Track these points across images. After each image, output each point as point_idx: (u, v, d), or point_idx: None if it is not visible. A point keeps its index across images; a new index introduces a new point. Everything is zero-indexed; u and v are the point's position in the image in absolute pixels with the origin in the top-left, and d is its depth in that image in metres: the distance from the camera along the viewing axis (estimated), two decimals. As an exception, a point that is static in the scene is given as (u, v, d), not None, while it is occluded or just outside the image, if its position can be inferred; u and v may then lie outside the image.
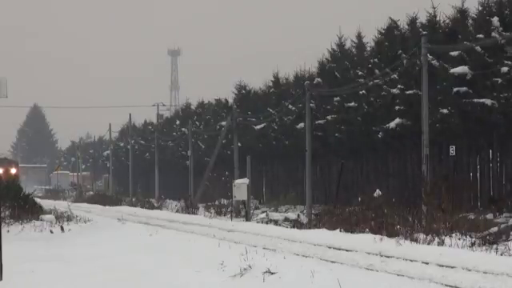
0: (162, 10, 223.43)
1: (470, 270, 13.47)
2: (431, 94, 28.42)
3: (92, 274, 15.12)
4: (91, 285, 14.06)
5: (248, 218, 31.72)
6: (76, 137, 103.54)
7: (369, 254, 16.61)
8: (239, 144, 45.08)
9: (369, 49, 39.62)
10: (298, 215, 29.98)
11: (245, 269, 14.54)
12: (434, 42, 29.15)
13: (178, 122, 66.35)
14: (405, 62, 31.63)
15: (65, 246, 22.05)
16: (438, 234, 19.64)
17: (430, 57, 29.57)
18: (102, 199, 60.94)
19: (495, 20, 29.94)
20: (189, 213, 39.09)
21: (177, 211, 41.75)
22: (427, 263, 14.55)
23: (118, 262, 17.36)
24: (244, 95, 52.73)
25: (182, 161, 61.70)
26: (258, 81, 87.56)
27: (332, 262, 15.98)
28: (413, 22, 35.70)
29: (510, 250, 16.75)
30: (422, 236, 19.33)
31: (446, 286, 12.49)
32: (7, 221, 28.44)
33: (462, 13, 32.80)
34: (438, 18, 34.20)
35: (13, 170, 53.06)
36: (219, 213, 36.93)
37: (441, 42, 30.73)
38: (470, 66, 30.42)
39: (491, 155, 32.33)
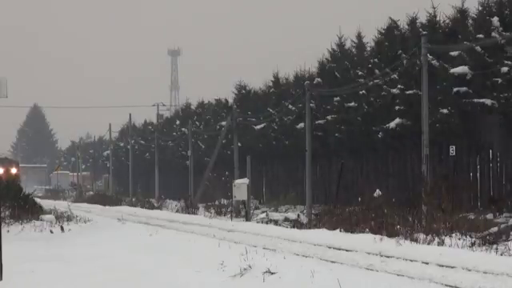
0: (162, 10, 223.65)
1: (469, 270, 13.48)
2: (431, 94, 28.41)
3: (92, 274, 15.12)
4: (91, 285, 14.06)
5: (248, 217, 31.73)
6: (76, 137, 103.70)
7: (369, 254, 16.61)
8: (239, 144, 45.08)
9: (369, 49, 39.63)
10: (298, 215, 29.97)
11: (245, 269, 14.55)
12: (434, 42, 29.15)
13: (178, 122, 66.35)
14: (405, 62, 31.63)
15: (65, 246, 22.05)
16: (437, 233, 19.64)
17: (430, 57, 29.57)
18: (102, 199, 60.95)
19: (495, 20, 29.94)
20: (189, 213, 39.09)
21: (177, 211, 41.75)
22: (427, 263, 14.55)
23: (117, 262, 17.36)
24: (244, 95, 52.73)
25: (181, 161, 61.69)
26: (258, 81, 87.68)
27: (332, 262, 15.99)
28: (413, 22, 35.69)
29: (510, 249, 16.75)
30: (422, 236, 19.33)
31: (446, 285, 12.49)
32: (7, 221, 28.45)
33: (462, 13, 32.80)
34: (437, 18, 34.22)
35: (13, 170, 53.02)
36: (219, 213, 36.94)
37: (441, 42, 30.73)
38: (469, 66, 30.42)
39: (491, 155, 32.33)
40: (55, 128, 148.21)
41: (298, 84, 42.81)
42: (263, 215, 31.12)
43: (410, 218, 22.45)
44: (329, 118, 39.94)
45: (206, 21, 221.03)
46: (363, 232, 20.98)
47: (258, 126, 46.86)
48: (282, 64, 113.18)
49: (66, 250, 20.50)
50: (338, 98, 38.67)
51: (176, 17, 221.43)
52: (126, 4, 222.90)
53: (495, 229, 19.95)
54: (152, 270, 15.87)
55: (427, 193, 24.46)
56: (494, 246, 17.50)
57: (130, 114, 74.48)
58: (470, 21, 32.58)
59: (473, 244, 18.15)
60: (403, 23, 36.39)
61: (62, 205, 45.07)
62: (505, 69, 29.05)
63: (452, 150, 29.57)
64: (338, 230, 21.76)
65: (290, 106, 42.28)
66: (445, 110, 31.52)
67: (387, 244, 17.56)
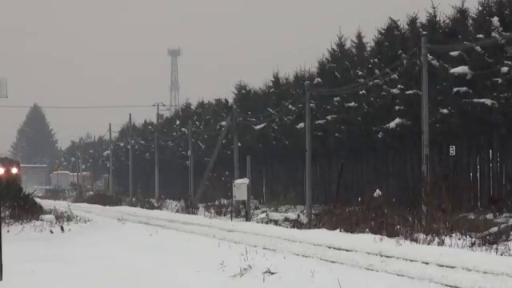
0: (162, 10, 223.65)
1: (469, 270, 13.48)
2: (431, 94, 28.41)
3: (92, 274, 15.12)
4: (91, 285, 14.06)
5: (248, 217, 31.73)
6: (76, 137, 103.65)
7: (369, 254, 16.61)
8: (239, 144, 45.09)
9: (369, 49, 39.64)
10: (298, 215, 29.97)
11: (245, 269, 14.54)
12: (434, 42, 29.15)
13: (178, 122, 66.36)
14: (405, 62, 31.64)
15: (65, 246, 22.04)
16: (438, 233, 19.64)
17: (430, 57, 29.57)
18: (102, 199, 60.95)
19: (495, 20, 29.94)
20: (189, 213, 39.09)
21: (177, 211, 41.75)
22: (427, 263, 14.55)
23: (117, 262, 17.36)
24: (244, 95, 52.74)
25: (181, 161, 61.70)
26: (258, 81, 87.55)
27: (332, 261, 15.99)
28: (413, 22, 35.70)
29: (510, 249, 16.75)
30: (422, 236, 19.33)
31: (446, 285, 12.49)
32: (7, 221, 28.43)
33: (462, 13, 32.80)
34: (437, 18, 34.22)
35: (14, 170, 53.00)
36: (219, 213, 36.93)
37: (441, 42, 30.73)
38: (470, 66, 30.43)
39: (491, 155, 32.34)
40: (55, 128, 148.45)
41: (298, 84, 42.82)
42: (263, 215, 31.12)
43: (410, 218, 22.45)
44: (329, 117, 39.95)
45: (206, 21, 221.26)
46: (363, 232, 20.97)
47: (258, 126, 46.87)
48: (281, 64, 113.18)
49: (65, 250, 20.50)
50: (338, 98, 38.67)
51: (176, 17, 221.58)
52: (126, 4, 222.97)
53: (495, 229, 19.95)
54: (152, 269, 15.87)
55: (427, 193, 24.46)
56: (494, 246, 17.50)
57: (130, 114, 74.62)
58: (470, 21, 32.58)
59: (473, 244, 18.15)
60: (403, 23, 36.45)
61: (62, 205, 45.06)
62: (505, 69, 29.06)
63: (452, 149, 29.57)
64: (338, 230, 21.75)
65: (290, 106, 42.29)
66: (445, 110, 31.53)
67: (387, 244, 17.56)
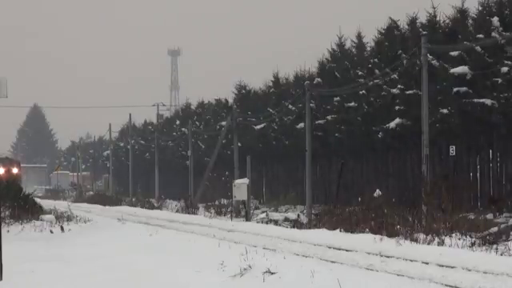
0: (162, 10, 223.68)
1: (469, 270, 13.48)
2: (431, 94, 28.41)
3: (92, 274, 15.12)
4: (91, 285, 14.06)
5: (248, 217, 31.73)
6: (76, 137, 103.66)
7: (369, 254, 16.61)
8: (239, 144, 45.09)
9: (369, 49, 39.63)
10: (298, 215, 29.97)
11: (245, 269, 14.55)
12: (434, 42, 29.15)
13: (178, 122, 66.36)
14: (405, 62, 31.63)
15: (65, 246, 22.05)
16: (438, 234, 19.64)
17: (430, 57, 29.57)
18: (102, 199, 60.97)
19: (495, 20, 29.93)
20: (189, 213, 39.09)
21: (177, 211, 41.76)
22: (427, 263, 14.55)
23: (117, 262, 17.36)
24: (244, 95, 52.74)
25: (181, 161, 61.70)
26: (258, 81, 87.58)
27: (332, 262, 15.99)
28: (413, 22, 35.69)
29: (510, 249, 16.75)
30: (422, 236, 19.33)
31: (446, 285, 12.49)
32: (7, 221, 28.44)
33: (462, 13, 32.79)
34: (438, 18, 34.21)
35: (15, 170, 53.01)
36: (219, 213, 36.94)
37: (441, 42, 30.73)
38: (470, 66, 30.42)
39: (491, 155, 32.33)
40: (55, 128, 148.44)
41: (298, 84, 42.82)
42: (263, 215, 31.12)
43: (410, 218, 22.45)
44: (329, 117, 39.95)
45: (206, 21, 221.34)
46: (363, 232, 20.98)
47: (258, 126, 46.87)
48: (282, 64, 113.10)
49: (65, 250, 20.50)
50: (338, 98, 38.67)
51: (176, 17, 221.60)
52: (126, 4, 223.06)
53: (495, 229, 19.95)
54: (152, 269, 15.87)
55: (427, 193, 24.46)
56: (494, 246, 17.50)
57: (130, 114, 74.62)
58: (470, 21, 32.57)
59: (473, 244, 18.15)
60: (403, 23, 36.43)
61: (62, 205, 45.07)
62: (505, 69, 29.05)
63: (452, 150, 29.56)
64: (337, 230, 21.75)
65: (290, 106, 42.29)
66: (445, 110, 31.52)
67: (387, 244, 17.56)
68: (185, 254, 18.75)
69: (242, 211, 34.27)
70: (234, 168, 43.71)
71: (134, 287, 13.91)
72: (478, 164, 33.02)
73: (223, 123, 49.27)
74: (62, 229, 28.80)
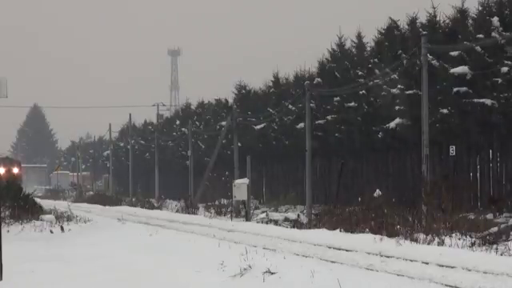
0: (162, 10, 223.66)
1: (470, 270, 13.48)
2: (431, 94, 28.41)
3: (92, 274, 15.12)
4: (91, 285, 14.06)
5: (248, 217, 31.73)
6: (76, 137, 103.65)
7: (369, 254, 16.61)
8: (239, 144, 45.09)
9: (369, 49, 39.61)
10: (298, 215, 29.97)
11: (245, 269, 14.55)
12: (434, 42, 29.14)
13: (178, 122, 66.35)
14: (405, 62, 31.62)
15: (65, 246, 22.05)
16: (438, 234, 19.64)
17: (430, 57, 29.57)
18: (102, 199, 60.97)
19: (495, 20, 29.93)
20: (189, 213, 39.10)
21: (177, 211, 41.76)
22: (427, 263, 14.55)
23: (117, 262, 17.36)
24: (244, 95, 52.73)
25: (181, 161, 61.70)
26: (258, 81, 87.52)
27: (332, 261, 15.99)
28: (413, 22, 35.68)
29: (510, 249, 16.75)
30: (422, 236, 19.33)
31: (446, 285, 12.49)
32: (7, 221, 28.45)
33: (462, 13, 32.79)
34: (438, 18, 34.19)
35: (15, 170, 53.01)
36: (219, 213, 36.94)
37: (441, 42, 30.72)
38: (470, 66, 30.42)
39: (491, 155, 32.33)
40: (55, 128, 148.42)
41: (298, 84, 42.81)
42: (263, 215, 31.12)
43: (410, 218, 22.45)
44: (329, 117, 39.95)
45: (206, 21, 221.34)
46: (363, 232, 20.98)
47: (258, 126, 46.87)
48: (281, 64, 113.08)
49: (65, 250, 20.50)
50: (338, 98, 38.67)
51: (176, 17, 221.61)
52: (126, 4, 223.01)
53: (495, 229, 19.95)
54: (152, 269, 15.87)
55: (427, 193, 24.46)
56: (494, 246, 17.50)
57: (130, 114, 74.61)
58: (470, 21, 32.57)
59: (473, 244, 18.15)
60: (403, 23, 36.41)
61: (62, 205, 45.07)
62: (505, 69, 29.06)
63: (452, 150, 29.57)
64: (338, 230, 21.75)
65: (290, 106, 42.29)
66: (445, 110, 31.52)
67: (387, 244, 17.57)
68: (185, 254, 18.75)
69: (242, 211, 34.27)
70: (234, 168, 43.70)
71: (133, 287, 13.91)
72: (477, 164, 33.02)
73: (223, 123, 49.27)
74: (62, 229, 28.80)
